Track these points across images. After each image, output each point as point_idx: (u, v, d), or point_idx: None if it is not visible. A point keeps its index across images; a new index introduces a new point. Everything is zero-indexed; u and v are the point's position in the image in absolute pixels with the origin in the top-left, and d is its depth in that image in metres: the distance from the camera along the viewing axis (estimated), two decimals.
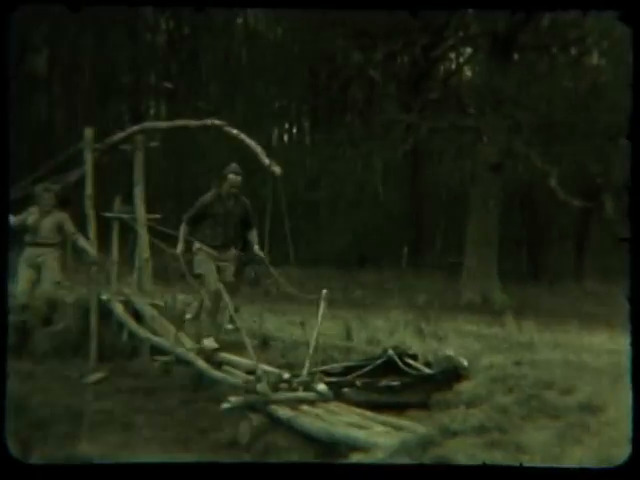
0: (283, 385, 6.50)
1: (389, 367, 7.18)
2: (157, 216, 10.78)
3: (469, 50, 24.97)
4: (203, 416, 6.91)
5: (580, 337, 10.57)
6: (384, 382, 6.93)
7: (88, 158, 10.25)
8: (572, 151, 19.58)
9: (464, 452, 4.55)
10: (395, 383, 6.93)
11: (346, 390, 6.74)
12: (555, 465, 4.37)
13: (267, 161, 8.42)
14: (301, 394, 6.44)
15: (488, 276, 20.11)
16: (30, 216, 9.94)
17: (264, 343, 9.40)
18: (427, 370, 7.24)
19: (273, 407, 6.21)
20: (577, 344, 9.73)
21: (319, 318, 7.17)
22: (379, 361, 7.27)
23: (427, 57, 22.41)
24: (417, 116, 21.14)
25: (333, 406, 6.32)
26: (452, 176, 27.57)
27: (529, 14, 18.04)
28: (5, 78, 4.91)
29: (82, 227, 10.07)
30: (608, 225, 20.87)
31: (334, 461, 5.08)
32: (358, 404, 6.41)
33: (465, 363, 7.22)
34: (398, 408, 6.46)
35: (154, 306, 9.70)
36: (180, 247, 8.50)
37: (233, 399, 6.26)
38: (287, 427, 5.96)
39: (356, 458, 4.92)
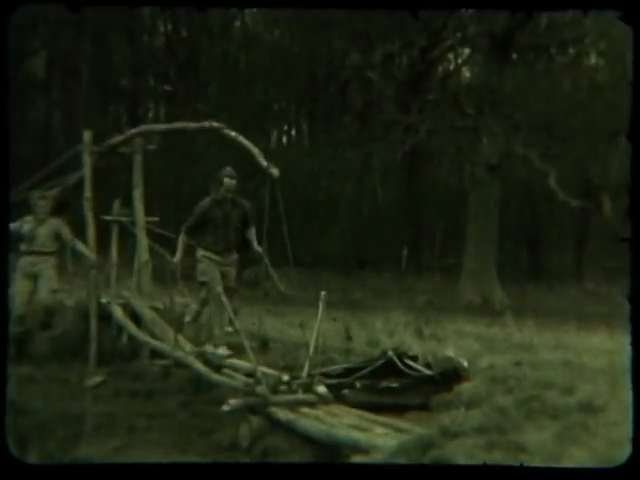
0: (283, 387, 6.50)
1: (389, 368, 7.17)
2: (155, 219, 10.77)
3: (467, 51, 25.00)
4: (203, 419, 6.90)
5: (580, 337, 10.57)
6: (384, 384, 6.92)
7: (87, 161, 10.23)
8: (571, 151, 19.61)
9: (464, 453, 4.55)
10: (395, 385, 6.93)
11: (346, 392, 6.73)
12: (555, 465, 4.36)
13: (265, 163, 8.41)
14: (301, 396, 6.44)
15: (488, 277, 20.11)
16: (25, 224, 9.85)
17: (263, 345, 9.40)
18: (427, 371, 7.23)
19: (273, 409, 6.20)
20: (577, 344, 9.75)
21: (318, 320, 7.17)
22: (379, 363, 7.25)
23: (425, 58, 22.43)
24: (416, 117, 21.16)
25: (333, 408, 6.31)
26: (451, 177, 27.61)
27: (529, 14, 18.04)
28: (5, 79, 4.91)
29: (81, 230, 10.04)
30: (607, 225, 20.87)
31: (334, 462, 5.08)
32: (358, 406, 6.40)
33: (465, 364, 7.22)
34: (398, 409, 6.45)
35: (153, 309, 9.69)
36: (178, 256, 8.48)
37: (233, 402, 6.26)
38: (287, 429, 5.95)
39: (356, 460, 4.92)
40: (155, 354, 8.89)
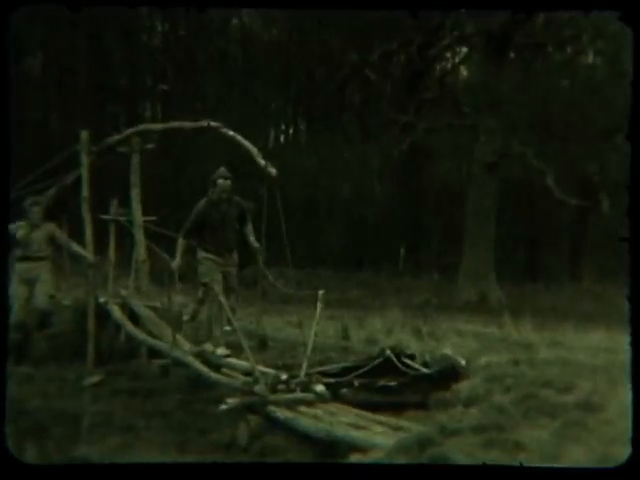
0: (281, 386, 6.50)
1: (387, 367, 7.18)
2: (153, 218, 10.77)
3: (465, 49, 25.02)
4: (201, 418, 6.90)
5: (577, 336, 10.59)
6: (382, 382, 6.93)
7: (84, 160, 10.22)
8: (568, 150, 19.63)
9: (462, 451, 4.55)
10: (393, 383, 6.93)
11: (344, 391, 6.74)
12: (554, 465, 4.37)
13: (263, 162, 8.40)
14: (299, 395, 6.44)
15: (485, 276, 20.13)
16: (19, 230, 9.76)
17: (262, 344, 9.41)
18: (425, 370, 7.24)
19: (271, 408, 6.20)
20: (574, 343, 9.76)
21: (316, 319, 7.18)
22: (377, 361, 7.26)
23: (423, 57, 22.46)
24: (413, 116, 21.19)
25: (331, 407, 6.32)
26: (449, 176, 27.61)
27: (529, 14, 18.05)
28: (5, 79, 4.90)
29: (79, 230, 10.04)
30: (605, 223, 20.91)
31: (333, 461, 5.08)
32: (356, 404, 6.41)
33: (463, 362, 7.22)
34: (396, 408, 6.46)
35: (151, 308, 9.69)
36: (177, 262, 8.45)
37: (231, 401, 6.26)
38: (285, 428, 5.96)
39: (355, 458, 4.92)
40: (153, 353, 8.88)
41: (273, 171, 8.21)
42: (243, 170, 10.73)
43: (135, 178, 10.46)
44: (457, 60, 26.66)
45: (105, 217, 10.59)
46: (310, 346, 7.02)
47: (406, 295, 19.50)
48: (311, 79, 28.11)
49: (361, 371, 7.12)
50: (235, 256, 8.50)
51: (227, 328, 8.58)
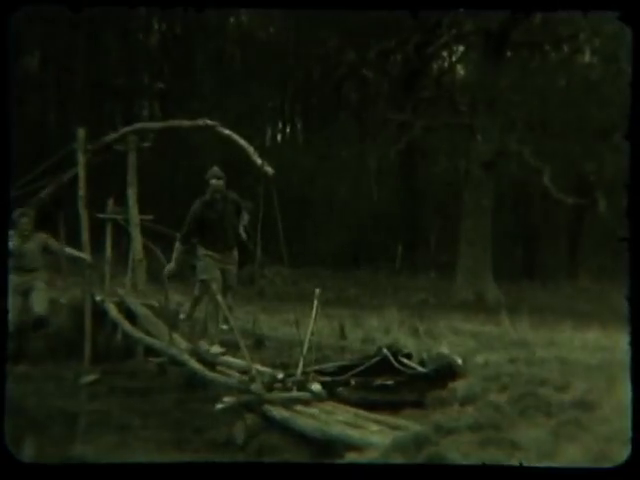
0: (277, 385, 6.50)
1: (384, 366, 7.18)
2: (150, 217, 10.76)
3: (462, 48, 25.00)
4: (198, 416, 6.90)
5: (574, 335, 10.58)
6: (379, 381, 6.93)
7: (81, 159, 10.22)
8: (565, 148, 19.63)
9: (459, 450, 4.55)
10: (390, 382, 6.94)
11: (341, 389, 6.75)
12: (552, 464, 4.37)
13: (259, 161, 8.38)
14: (295, 394, 6.44)
15: (482, 274, 20.12)
16: (10, 241, 9.61)
17: (258, 343, 9.41)
18: (421, 369, 7.24)
19: (267, 407, 6.20)
20: (571, 342, 9.76)
21: (313, 317, 7.17)
22: (374, 360, 7.26)
23: (420, 55, 22.44)
24: (410, 115, 21.18)
25: (328, 405, 6.32)
26: (446, 174, 27.59)
27: (528, 14, 18.03)
28: (6, 79, 4.89)
29: (75, 228, 10.02)
30: (602, 222, 20.91)
31: (329, 460, 5.08)
32: (353, 403, 6.41)
33: (459, 361, 7.23)
34: (393, 407, 6.46)
35: (148, 307, 9.68)
36: (171, 266, 8.42)
37: (227, 399, 6.26)
38: (282, 427, 5.96)
39: (351, 457, 4.92)
40: (150, 352, 8.88)
41: (269, 170, 8.20)
42: (240, 169, 10.72)
43: (132, 177, 10.46)
44: (454, 59, 26.66)
45: (102, 216, 10.58)
46: (307, 345, 7.02)
47: (403, 294, 19.49)
48: (308, 78, 28.09)
49: (358, 370, 7.12)
50: (235, 254, 8.48)
51: (224, 327, 8.58)
